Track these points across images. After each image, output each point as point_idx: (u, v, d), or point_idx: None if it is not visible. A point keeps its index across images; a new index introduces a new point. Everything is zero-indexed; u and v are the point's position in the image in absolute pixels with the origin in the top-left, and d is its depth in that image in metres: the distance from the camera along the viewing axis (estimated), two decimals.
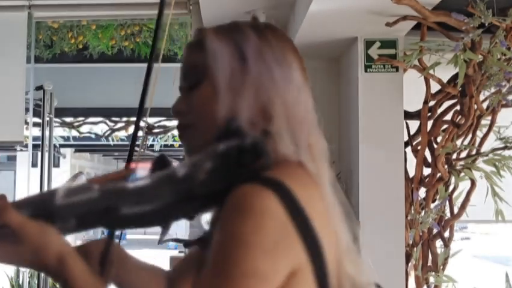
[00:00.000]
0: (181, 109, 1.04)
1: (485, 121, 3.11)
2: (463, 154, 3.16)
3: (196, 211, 0.92)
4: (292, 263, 0.86)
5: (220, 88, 0.98)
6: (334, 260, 0.92)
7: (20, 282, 5.62)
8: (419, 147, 3.17)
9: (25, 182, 5.63)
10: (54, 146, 6.00)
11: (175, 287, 1.21)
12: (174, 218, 0.91)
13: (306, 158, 0.95)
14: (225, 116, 0.96)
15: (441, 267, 3.12)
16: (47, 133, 4.74)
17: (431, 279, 3.12)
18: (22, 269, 5.60)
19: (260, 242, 0.83)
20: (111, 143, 9.48)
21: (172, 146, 9.25)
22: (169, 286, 1.22)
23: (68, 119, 8.51)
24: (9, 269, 5.86)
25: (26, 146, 4.82)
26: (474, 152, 3.13)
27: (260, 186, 0.86)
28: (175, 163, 0.93)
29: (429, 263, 3.14)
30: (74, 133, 9.15)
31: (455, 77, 3.02)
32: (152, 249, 11.29)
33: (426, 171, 3.17)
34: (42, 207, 0.84)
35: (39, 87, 4.58)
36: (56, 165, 8.84)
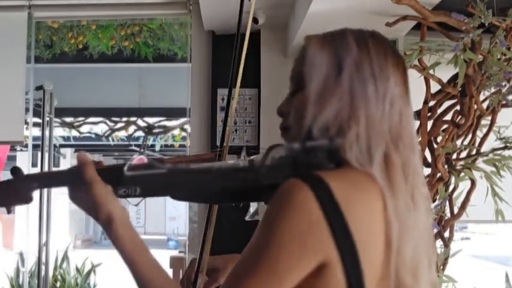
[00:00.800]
0: (282, 111, 1.15)
1: (485, 121, 3.11)
2: (463, 154, 3.16)
3: (259, 198, 1.09)
4: (320, 256, 0.92)
5: (310, 96, 1.05)
6: (384, 266, 0.97)
7: (20, 282, 5.61)
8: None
9: None
10: (55, 146, 5.99)
11: None
12: (239, 200, 1.10)
13: (376, 169, 1.00)
14: (309, 123, 1.04)
15: (441, 267, 3.12)
16: (47, 133, 4.74)
17: None
18: (22, 269, 5.60)
19: (286, 231, 0.91)
20: (111, 143, 9.48)
21: (172, 146, 9.24)
22: None
23: (68, 119, 8.51)
24: (9, 269, 5.85)
25: (26, 146, 4.82)
26: (474, 152, 3.13)
27: (301, 181, 0.94)
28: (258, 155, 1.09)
29: None
30: (74, 133, 9.15)
31: (455, 77, 3.02)
32: (152, 249, 11.30)
33: (426, 171, 3.17)
34: (114, 174, 1.07)
35: (39, 87, 4.59)
36: (56, 165, 8.83)
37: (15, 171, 1.09)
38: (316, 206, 0.92)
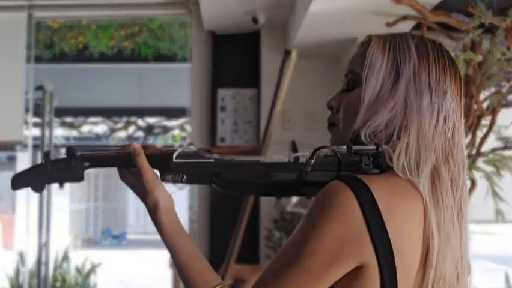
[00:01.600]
0: (332, 105, 1.14)
1: (485, 121, 3.11)
2: None
3: (300, 193, 1.15)
4: (358, 258, 0.94)
5: (365, 99, 1.05)
6: (419, 276, 0.98)
7: (20, 282, 5.61)
8: None
9: None
10: (55, 146, 6.00)
11: None
12: (282, 193, 1.16)
13: (423, 182, 1.00)
14: (358, 126, 1.05)
15: None
16: (47, 133, 4.74)
17: None
18: (21, 269, 5.60)
19: (326, 231, 0.94)
20: (111, 143, 9.48)
21: (172, 146, 9.25)
22: None
23: (68, 119, 8.51)
24: (9, 269, 5.85)
25: (26, 146, 4.82)
26: (474, 152, 3.13)
27: (344, 184, 0.96)
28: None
29: None
30: (74, 133, 9.15)
31: None
32: (152, 249, 11.30)
33: None
34: (163, 160, 1.13)
35: (39, 87, 4.59)
36: None
37: (70, 150, 1.14)
38: (358, 210, 0.94)
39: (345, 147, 1.03)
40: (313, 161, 1.03)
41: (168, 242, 1.12)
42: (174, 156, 1.13)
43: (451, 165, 1.03)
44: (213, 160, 1.13)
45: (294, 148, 1.18)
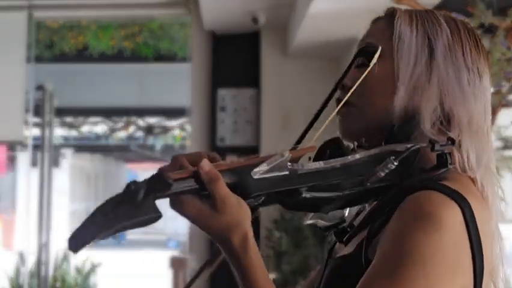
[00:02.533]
0: (346, 84, 0.95)
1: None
2: None
3: (358, 203, 0.93)
4: (461, 281, 0.82)
5: (401, 74, 0.90)
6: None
7: (20, 282, 5.61)
8: None
9: (25, 182, 5.63)
10: (55, 146, 6.00)
11: None
12: (343, 207, 0.92)
13: (483, 177, 0.90)
14: (402, 109, 0.89)
15: None
16: (47, 133, 4.74)
17: None
18: (21, 269, 5.60)
19: (440, 258, 0.80)
20: (111, 143, 9.49)
21: (171, 146, 9.25)
22: None
23: (68, 119, 8.52)
24: (9, 269, 5.85)
25: (26, 146, 4.82)
26: None
27: (447, 197, 0.81)
28: (349, 151, 0.91)
29: None
30: (74, 133, 9.16)
31: None
32: (152, 249, 11.31)
33: None
34: (241, 178, 0.81)
35: (39, 87, 4.59)
36: (56, 165, 8.84)
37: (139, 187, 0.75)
38: (464, 228, 0.81)
39: (423, 145, 0.86)
40: (396, 163, 0.84)
41: (256, 282, 0.83)
42: (254, 171, 0.81)
43: (493, 155, 0.93)
44: (288, 172, 0.83)
45: (338, 147, 0.92)
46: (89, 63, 6.40)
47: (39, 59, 5.38)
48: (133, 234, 15.47)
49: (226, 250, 0.83)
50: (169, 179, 0.74)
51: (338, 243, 0.99)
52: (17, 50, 4.24)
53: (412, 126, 0.88)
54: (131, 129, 8.86)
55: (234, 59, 4.10)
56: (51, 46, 6.08)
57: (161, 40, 6.13)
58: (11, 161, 10.38)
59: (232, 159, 0.85)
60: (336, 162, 0.86)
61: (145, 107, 7.76)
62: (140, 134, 8.95)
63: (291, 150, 0.87)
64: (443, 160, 0.85)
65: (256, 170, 0.81)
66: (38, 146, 4.81)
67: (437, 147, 0.84)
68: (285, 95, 4.06)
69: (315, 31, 3.23)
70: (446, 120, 0.89)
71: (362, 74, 0.92)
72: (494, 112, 3.11)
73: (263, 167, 0.81)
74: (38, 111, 4.68)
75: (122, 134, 9.11)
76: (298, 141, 0.93)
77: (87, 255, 6.65)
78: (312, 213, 0.93)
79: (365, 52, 0.95)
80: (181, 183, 0.77)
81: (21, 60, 4.26)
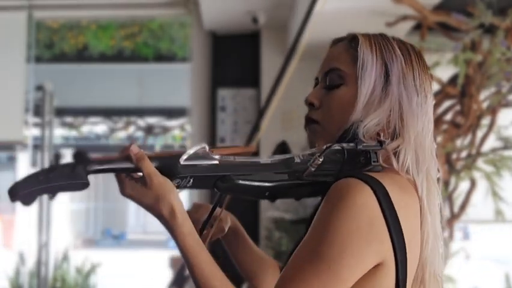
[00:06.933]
0: (313, 102, 1.12)
1: (485, 121, 3.11)
2: (463, 154, 3.16)
3: (302, 195, 1.12)
4: (379, 255, 0.94)
5: (361, 98, 1.05)
6: (419, 259, 1.01)
7: (20, 282, 5.62)
8: None
9: None
10: (55, 146, 6.00)
11: None
12: (282, 196, 1.10)
13: (422, 182, 1.03)
14: (354, 122, 1.05)
15: None
16: (47, 133, 4.74)
17: None
18: (22, 270, 5.60)
19: (352, 230, 0.92)
20: (111, 143, 9.48)
21: (171, 146, 9.25)
22: None
23: (68, 119, 8.51)
24: (9, 269, 5.85)
25: (26, 146, 4.82)
26: (474, 152, 3.13)
27: (359, 181, 0.95)
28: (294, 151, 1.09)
29: None
30: (74, 133, 9.16)
31: (455, 77, 3.02)
32: (152, 249, 11.30)
33: None
34: (168, 163, 1.01)
35: (39, 87, 4.59)
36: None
37: (80, 154, 0.99)
38: (377, 207, 0.94)
39: (350, 144, 1.02)
40: (321, 159, 1.01)
41: (189, 251, 0.99)
42: (184, 158, 1.01)
43: (435, 166, 1.06)
44: (217, 161, 1.03)
45: (286, 148, 1.14)
46: (89, 63, 6.40)
47: (39, 59, 5.39)
48: (133, 234, 15.46)
49: (162, 222, 1.01)
50: (87, 155, 0.98)
51: None
52: (16, 50, 4.24)
53: (352, 133, 1.05)
54: (131, 129, 8.86)
55: (234, 59, 4.10)
56: (51, 46, 6.08)
57: (161, 40, 6.13)
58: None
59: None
60: (276, 158, 1.06)
61: (145, 107, 7.75)
62: (140, 134, 8.95)
63: (233, 147, 1.10)
64: (367, 158, 1.02)
65: (183, 157, 1.01)
66: (38, 146, 4.81)
67: (359, 146, 1.01)
68: (285, 95, 4.06)
69: (315, 31, 3.23)
70: (394, 132, 1.05)
71: (329, 96, 1.09)
72: (494, 112, 3.11)
73: (185, 155, 1.01)
74: (38, 111, 4.68)
75: (122, 134, 9.11)
76: (248, 142, 1.14)
77: (87, 255, 6.66)
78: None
79: (329, 75, 1.11)
80: (117, 163, 1.00)
81: (21, 60, 4.26)
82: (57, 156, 1.01)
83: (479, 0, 2.77)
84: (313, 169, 1.01)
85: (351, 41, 1.10)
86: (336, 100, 1.08)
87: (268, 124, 4.07)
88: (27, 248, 5.15)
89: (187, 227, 1.00)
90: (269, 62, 4.07)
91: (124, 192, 1.02)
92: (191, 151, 1.02)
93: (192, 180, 1.02)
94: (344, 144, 1.02)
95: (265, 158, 1.06)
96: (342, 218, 0.93)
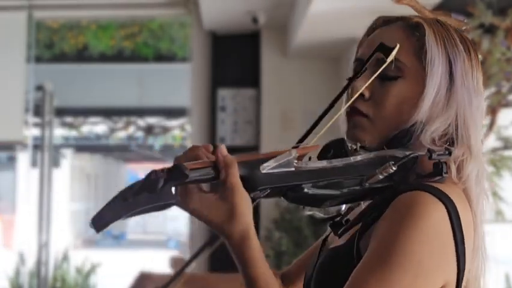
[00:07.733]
0: (364, 93, 0.97)
1: (485, 121, 3.11)
2: None
3: (355, 201, 0.98)
4: (445, 278, 0.87)
5: (428, 97, 0.94)
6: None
7: (20, 282, 5.62)
8: None
9: (25, 182, 5.63)
10: (55, 146, 6.00)
11: (292, 284, 1.18)
12: (341, 204, 0.97)
13: (472, 187, 0.94)
14: (416, 123, 0.94)
15: None
16: (47, 133, 4.74)
17: None
18: (22, 270, 5.60)
19: (425, 256, 0.84)
20: (111, 143, 9.48)
21: (171, 146, 9.25)
22: (286, 285, 1.18)
23: (68, 119, 8.52)
24: (9, 269, 5.85)
25: (26, 146, 4.83)
26: None
27: (433, 197, 0.86)
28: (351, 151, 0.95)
29: None
30: (74, 133, 9.16)
31: None
32: (152, 249, 11.31)
33: None
34: (250, 172, 0.85)
35: (39, 87, 4.59)
36: (56, 165, 8.84)
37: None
38: (449, 230, 0.86)
39: (421, 153, 0.91)
40: (394, 168, 0.89)
41: (258, 281, 0.85)
42: (270, 166, 0.86)
43: (487, 176, 0.99)
44: (294, 169, 0.89)
45: (341, 148, 0.96)
46: (89, 63, 6.40)
47: (39, 59, 5.39)
48: (133, 234, 15.47)
49: (229, 243, 0.86)
50: (186, 170, 0.80)
51: (329, 236, 1.05)
52: (16, 50, 4.24)
53: (412, 135, 0.94)
54: (131, 129, 8.86)
55: (234, 59, 4.10)
56: (51, 46, 6.08)
57: (161, 40, 6.13)
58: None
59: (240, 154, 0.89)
60: (339, 162, 0.92)
61: (145, 107, 7.76)
62: (140, 134, 8.95)
63: (294, 147, 0.92)
64: (439, 168, 0.91)
65: (265, 165, 0.86)
66: (38, 146, 4.81)
67: (434, 156, 0.90)
68: (285, 95, 4.06)
69: (315, 31, 3.23)
70: (452, 138, 0.94)
71: (385, 89, 0.96)
72: (494, 112, 3.11)
73: (271, 162, 0.87)
74: (38, 111, 4.68)
75: (122, 134, 9.11)
76: (301, 140, 0.97)
77: (87, 255, 6.66)
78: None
79: (386, 66, 0.96)
80: (197, 171, 0.82)
81: (21, 60, 4.26)
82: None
83: (479, 0, 2.77)
84: (381, 177, 0.90)
85: (414, 28, 1.01)
86: (395, 95, 0.95)
87: (268, 123, 4.08)
88: (27, 248, 5.15)
89: (260, 252, 0.86)
90: (269, 62, 4.07)
91: (188, 206, 0.84)
92: (281, 159, 0.88)
93: (268, 191, 0.88)
94: (419, 153, 0.91)
95: (345, 159, 0.93)
96: (416, 243, 0.84)
